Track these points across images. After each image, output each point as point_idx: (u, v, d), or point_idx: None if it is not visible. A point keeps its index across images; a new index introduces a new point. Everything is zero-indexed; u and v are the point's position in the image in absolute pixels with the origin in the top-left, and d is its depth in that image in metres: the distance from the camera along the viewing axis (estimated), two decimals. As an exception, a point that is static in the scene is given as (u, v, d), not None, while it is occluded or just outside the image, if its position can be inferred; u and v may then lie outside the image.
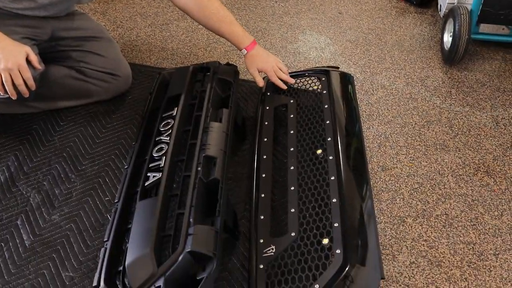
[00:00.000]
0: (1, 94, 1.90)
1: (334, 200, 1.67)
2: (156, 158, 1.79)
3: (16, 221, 1.83)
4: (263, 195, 1.79)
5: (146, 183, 1.72)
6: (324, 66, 2.35)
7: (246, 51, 2.16)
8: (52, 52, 2.18)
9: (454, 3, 2.70)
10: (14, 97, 1.88)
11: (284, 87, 2.18)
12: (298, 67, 2.60)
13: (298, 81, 2.28)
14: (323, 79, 2.19)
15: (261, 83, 2.19)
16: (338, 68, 2.32)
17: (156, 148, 1.83)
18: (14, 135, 2.15)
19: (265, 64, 2.16)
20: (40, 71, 1.95)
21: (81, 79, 2.22)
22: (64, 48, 2.19)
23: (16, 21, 2.03)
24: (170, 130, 1.88)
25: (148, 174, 1.75)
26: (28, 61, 1.87)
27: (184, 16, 2.97)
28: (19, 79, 1.84)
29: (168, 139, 1.84)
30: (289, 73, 2.30)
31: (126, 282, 1.50)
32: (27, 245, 1.76)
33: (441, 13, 2.83)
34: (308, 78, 2.26)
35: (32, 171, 2.01)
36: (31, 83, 1.87)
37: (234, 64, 2.44)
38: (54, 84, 2.20)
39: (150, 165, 1.78)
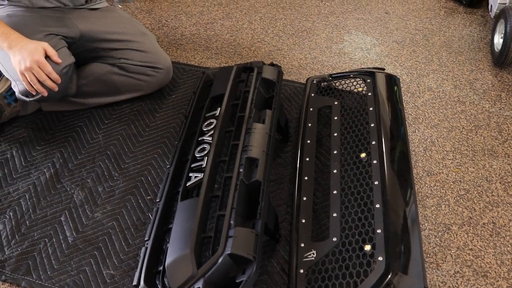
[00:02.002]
0: (33, 93, 1.94)
1: (378, 206, 1.64)
2: (198, 158, 1.79)
3: (60, 217, 1.85)
4: (305, 198, 1.77)
5: (188, 184, 1.72)
6: (369, 68, 2.32)
7: None
8: (92, 52, 2.21)
9: (505, 3, 2.62)
10: (44, 93, 1.93)
11: None
12: (343, 67, 2.57)
13: (343, 82, 2.25)
14: (369, 80, 2.16)
15: None
16: (384, 69, 2.28)
17: (199, 148, 1.83)
18: (59, 132, 2.18)
19: None
20: (68, 64, 2.00)
21: (123, 74, 2.24)
22: (103, 47, 2.21)
23: (38, 21, 2.07)
24: (213, 131, 1.87)
25: (190, 175, 1.75)
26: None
27: (229, 15, 2.96)
28: (42, 75, 1.89)
29: (210, 139, 1.84)
30: (334, 73, 2.27)
31: (166, 282, 1.51)
32: (70, 241, 1.78)
33: (492, 14, 2.75)
34: (353, 80, 2.23)
35: (77, 168, 2.03)
36: (54, 76, 1.91)
37: (278, 64, 2.43)
38: (97, 81, 2.23)
39: (192, 165, 1.78)
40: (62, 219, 1.85)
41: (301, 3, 3.11)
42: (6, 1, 2.11)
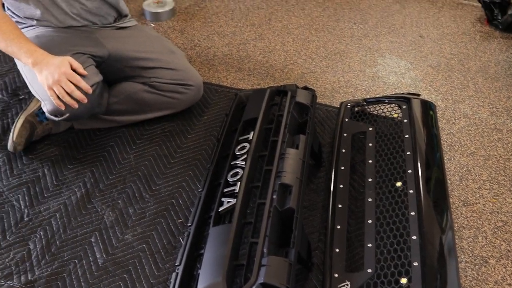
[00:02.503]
0: (62, 109, 1.93)
1: (414, 238, 1.60)
2: (231, 183, 1.77)
3: (90, 239, 1.84)
4: (339, 227, 1.73)
5: (220, 209, 1.70)
6: (404, 93, 2.28)
7: None
8: (122, 71, 2.22)
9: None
10: (74, 105, 1.91)
11: None
12: (376, 92, 2.54)
13: (378, 107, 2.22)
14: (404, 106, 2.12)
15: None
16: (419, 95, 2.25)
17: (231, 173, 1.81)
18: (91, 151, 2.18)
19: None
20: (95, 82, 2.00)
21: (154, 92, 2.24)
22: (132, 66, 2.21)
23: (66, 40, 2.08)
24: (246, 155, 1.85)
25: (222, 199, 1.73)
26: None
27: (261, 36, 2.95)
28: (70, 85, 1.87)
29: (243, 164, 1.82)
30: (369, 98, 2.25)
31: (197, 310, 1.48)
32: (100, 263, 1.76)
33: (530, 40, 2.70)
34: (388, 105, 2.20)
35: (108, 188, 2.02)
36: (84, 85, 1.90)
37: (312, 87, 2.40)
38: (128, 99, 2.24)
39: (225, 190, 1.76)
40: (92, 240, 1.84)
41: (334, 25, 3.09)
42: (35, 21, 2.13)
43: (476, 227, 1.90)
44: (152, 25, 3.07)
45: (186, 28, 3.05)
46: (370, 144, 2.02)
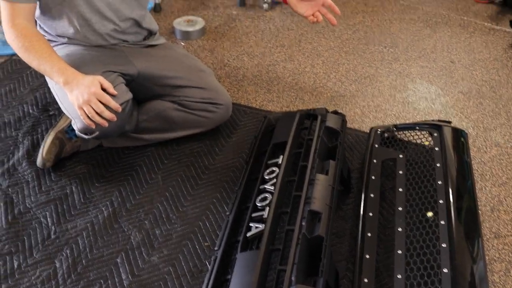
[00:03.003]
0: (92, 127, 1.93)
1: (445, 270, 1.56)
2: (260, 208, 1.75)
3: (116, 259, 1.84)
4: (367, 256, 1.71)
5: (248, 234, 1.68)
6: (435, 120, 2.26)
7: None
8: (151, 89, 2.23)
9: None
10: (104, 124, 1.91)
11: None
12: (406, 117, 2.51)
13: (408, 134, 2.20)
14: (435, 134, 2.09)
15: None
16: (450, 122, 2.22)
17: (260, 197, 1.79)
18: (119, 170, 2.18)
19: None
20: (125, 100, 2.00)
21: (183, 111, 2.24)
22: (161, 84, 2.22)
23: (96, 59, 2.09)
24: (275, 179, 1.83)
25: (250, 224, 1.71)
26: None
27: (291, 58, 2.95)
28: (99, 105, 1.87)
29: (272, 188, 1.80)
30: (399, 124, 2.22)
31: (223, 338, 1.46)
32: (125, 284, 1.75)
33: None
34: (418, 132, 2.18)
35: (135, 208, 2.02)
36: (113, 105, 1.90)
37: (341, 111, 2.39)
38: (157, 117, 2.24)
39: (253, 214, 1.74)
40: (118, 260, 1.83)
41: (364, 48, 3.08)
42: (67, 39, 2.15)
43: (508, 260, 1.86)
44: (182, 43, 3.08)
45: (216, 48, 3.06)
46: (401, 172, 1.99)
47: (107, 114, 1.89)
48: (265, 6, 3.42)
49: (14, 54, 2.89)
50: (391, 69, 2.90)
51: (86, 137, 2.06)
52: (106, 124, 1.91)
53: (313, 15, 2.14)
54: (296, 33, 3.21)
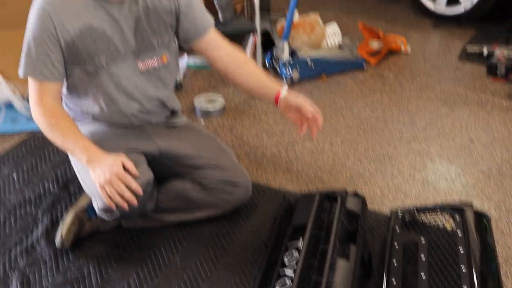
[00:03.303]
0: (113, 207, 1.94)
1: None
2: (280, 293, 1.73)
3: None
4: None
5: (268, 321, 1.65)
6: (457, 203, 2.24)
7: (284, 92, 2.17)
8: (172, 169, 2.24)
9: None
10: (124, 206, 1.90)
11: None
12: (426, 198, 2.49)
13: (429, 216, 2.18)
14: (457, 217, 2.07)
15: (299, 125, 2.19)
16: (471, 204, 2.19)
17: (279, 281, 1.77)
18: (137, 251, 2.17)
19: (305, 103, 2.16)
20: (147, 180, 2.01)
21: (203, 192, 2.24)
22: (182, 164, 2.23)
23: (119, 137, 2.13)
24: (295, 263, 1.81)
25: (270, 311, 1.68)
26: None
27: (310, 136, 2.96)
28: (121, 186, 1.87)
29: (292, 273, 1.78)
30: (420, 207, 2.21)
31: None
32: None
33: None
34: (440, 214, 2.16)
35: (153, 291, 2.00)
36: (134, 186, 1.90)
37: (360, 192, 2.38)
38: (176, 198, 2.24)
39: (273, 301, 1.71)
40: None
41: (382, 127, 3.09)
42: (91, 117, 2.19)
43: None
44: (202, 121, 3.12)
45: (235, 126, 3.09)
46: (423, 256, 1.95)
47: (128, 195, 1.89)
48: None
49: (38, 130, 2.93)
50: (410, 148, 2.90)
51: (106, 217, 2.06)
52: (125, 206, 1.91)
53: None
54: (315, 111, 3.24)
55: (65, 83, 2.12)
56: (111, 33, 2.04)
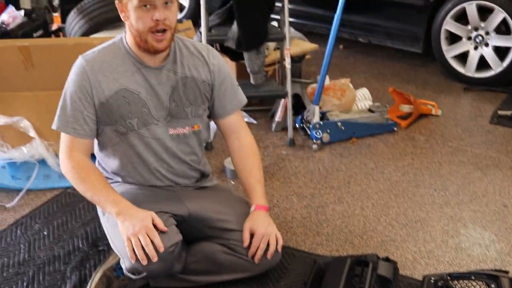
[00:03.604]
0: (133, 261, 1.93)
1: None
2: None
3: None
4: None
5: None
6: (492, 270, 2.19)
7: (253, 208, 2.21)
8: (201, 231, 2.24)
9: None
10: (144, 262, 1.92)
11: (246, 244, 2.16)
12: (460, 265, 2.43)
13: (463, 283, 2.13)
14: (492, 285, 2.02)
15: (245, 242, 2.17)
16: (507, 272, 2.14)
17: None
18: (165, 312, 2.15)
19: (260, 228, 2.16)
20: (175, 242, 2.02)
21: (232, 254, 2.22)
22: (211, 226, 2.23)
23: (150, 198, 2.14)
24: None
25: None
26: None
27: (340, 199, 2.95)
28: (146, 239, 1.91)
29: None
30: (453, 273, 2.16)
31: None
32: None
33: None
34: (474, 282, 2.11)
35: None
36: (158, 243, 1.92)
37: (392, 257, 2.34)
38: (205, 260, 2.23)
39: None
40: None
41: (414, 191, 3.06)
42: (121, 178, 2.21)
43: None
44: (232, 182, 3.13)
45: (265, 188, 3.08)
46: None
47: (150, 249, 1.91)
48: (314, 146, 3.48)
49: (69, 187, 2.98)
50: (442, 213, 2.86)
51: (133, 277, 2.05)
52: (145, 261, 1.93)
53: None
54: (345, 174, 3.23)
55: (96, 142, 2.16)
56: (146, 98, 2.10)
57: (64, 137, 2.10)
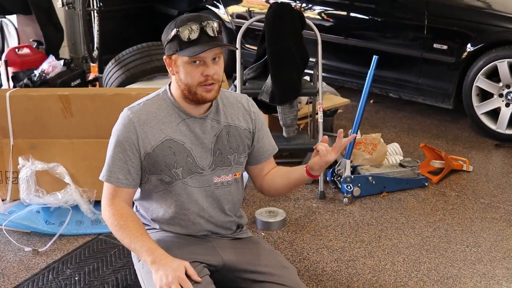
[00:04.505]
0: None
1: None
2: None
3: None
4: None
5: None
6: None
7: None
8: (233, 282, 2.22)
9: None
10: None
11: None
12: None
13: None
14: None
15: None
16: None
17: None
18: None
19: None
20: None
21: None
22: (243, 277, 2.22)
23: (185, 248, 2.15)
24: None
25: None
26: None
27: (371, 254, 2.93)
28: None
29: None
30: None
31: None
32: None
33: None
34: None
35: None
36: None
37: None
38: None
39: None
40: None
41: (446, 247, 3.03)
42: (159, 225, 2.24)
43: None
44: (263, 234, 3.14)
45: (295, 240, 3.09)
46: None
47: None
48: (345, 200, 3.49)
49: (101, 234, 3.03)
50: (474, 270, 2.82)
51: None
52: None
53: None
54: (376, 228, 3.22)
55: (139, 189, 2.21)
56: (191, 148, 2.15)
57: (107, 185, 2.15)
